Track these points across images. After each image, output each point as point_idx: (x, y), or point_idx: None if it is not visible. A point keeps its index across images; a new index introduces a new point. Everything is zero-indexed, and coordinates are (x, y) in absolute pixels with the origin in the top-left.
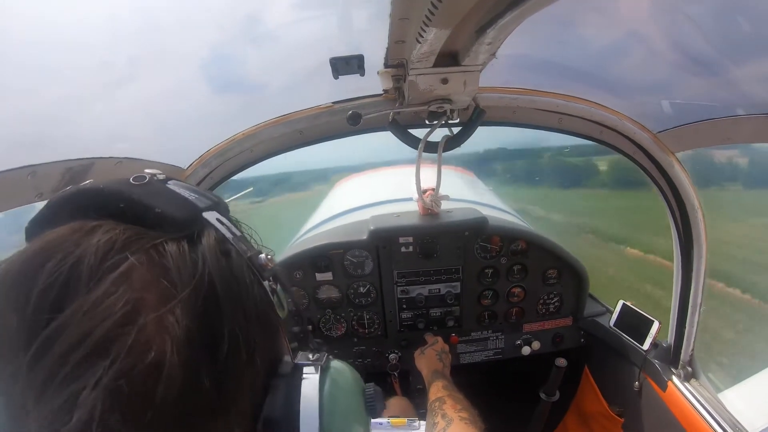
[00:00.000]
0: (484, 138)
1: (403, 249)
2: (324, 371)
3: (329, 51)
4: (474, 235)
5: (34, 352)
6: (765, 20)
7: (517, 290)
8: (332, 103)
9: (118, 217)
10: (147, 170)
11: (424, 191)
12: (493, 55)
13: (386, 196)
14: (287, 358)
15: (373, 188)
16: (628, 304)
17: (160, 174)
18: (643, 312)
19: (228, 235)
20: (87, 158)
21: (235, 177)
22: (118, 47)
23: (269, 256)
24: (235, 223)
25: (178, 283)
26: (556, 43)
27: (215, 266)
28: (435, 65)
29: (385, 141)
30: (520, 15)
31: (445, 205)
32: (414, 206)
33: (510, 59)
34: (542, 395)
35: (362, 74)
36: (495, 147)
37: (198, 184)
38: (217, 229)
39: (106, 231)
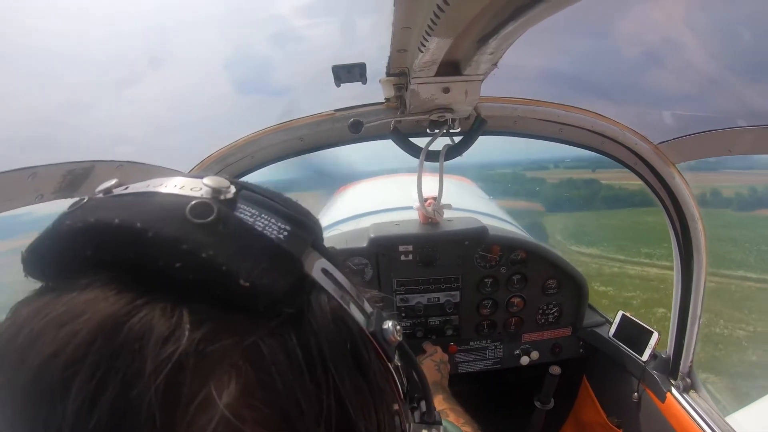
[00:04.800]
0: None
1: (402, 257)
2: None
3: (332, 58)
4: (474, 244)
5: None
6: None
7: (516, 300)
8: (334, 110)
9: (175, 286)
10: (205, 182)
11: (425, 200)
12: (495, 65)
13: (387, 204)
14: None
15: (374, 196)
16: (628, 315)
17: (226, 189)
18: (642, 323)
19: (338, 295)
20: (88, 161)
21: None
22: (122, 50)
23: (397, 327)
24: (335, 259)
25: (293, 417)
26: (558, 54)
27: (341, 368)
28: (437, 74)
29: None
30: (523, 25)
31: (444, 214)
32: (414, 214)
33: (512, 69)
34: (537, 403)
35: (364, 82)
36: None
37: None
38: (329, 294)
39: (165, 327)
